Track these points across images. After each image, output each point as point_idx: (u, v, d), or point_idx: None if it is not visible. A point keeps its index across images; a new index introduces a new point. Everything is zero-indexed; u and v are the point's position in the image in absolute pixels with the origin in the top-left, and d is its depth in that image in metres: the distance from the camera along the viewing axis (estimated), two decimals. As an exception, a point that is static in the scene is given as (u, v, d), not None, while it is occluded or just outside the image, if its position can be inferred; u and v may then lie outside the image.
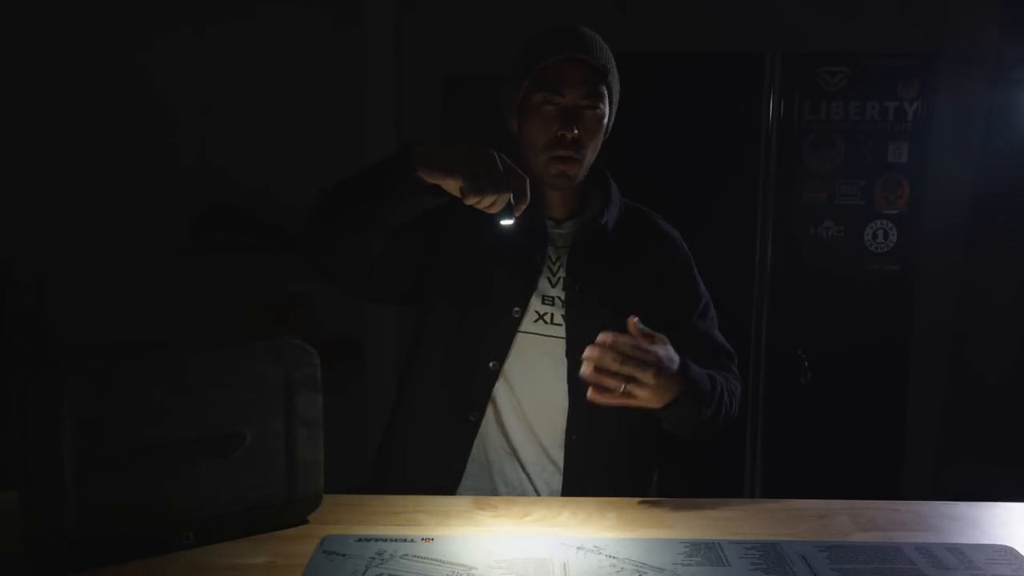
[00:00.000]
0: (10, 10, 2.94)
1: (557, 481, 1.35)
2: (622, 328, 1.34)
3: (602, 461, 1.35)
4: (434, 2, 2.94)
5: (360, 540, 1.02)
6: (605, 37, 1.36)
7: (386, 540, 1.02)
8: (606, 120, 1.36)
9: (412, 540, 1.02)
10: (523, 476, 1.35)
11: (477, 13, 2.86)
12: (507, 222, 1.20)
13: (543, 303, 1.35)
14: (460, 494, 1.33)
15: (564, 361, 1.33)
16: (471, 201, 1.17)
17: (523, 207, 1.20)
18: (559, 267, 1.38)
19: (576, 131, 1.30)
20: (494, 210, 1.19)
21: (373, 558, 0.97)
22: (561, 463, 1.34)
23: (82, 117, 2.95)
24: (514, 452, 1.35)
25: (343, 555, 0.98)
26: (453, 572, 0.94)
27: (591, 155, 1.36)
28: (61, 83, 2.95)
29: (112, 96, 2.95)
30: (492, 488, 1.35)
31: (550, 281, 1.37)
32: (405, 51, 2.93)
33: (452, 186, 1.19)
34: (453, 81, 2.80)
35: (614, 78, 1.36)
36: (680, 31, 2.81)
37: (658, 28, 2.82)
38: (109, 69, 2.94)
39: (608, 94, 1.34)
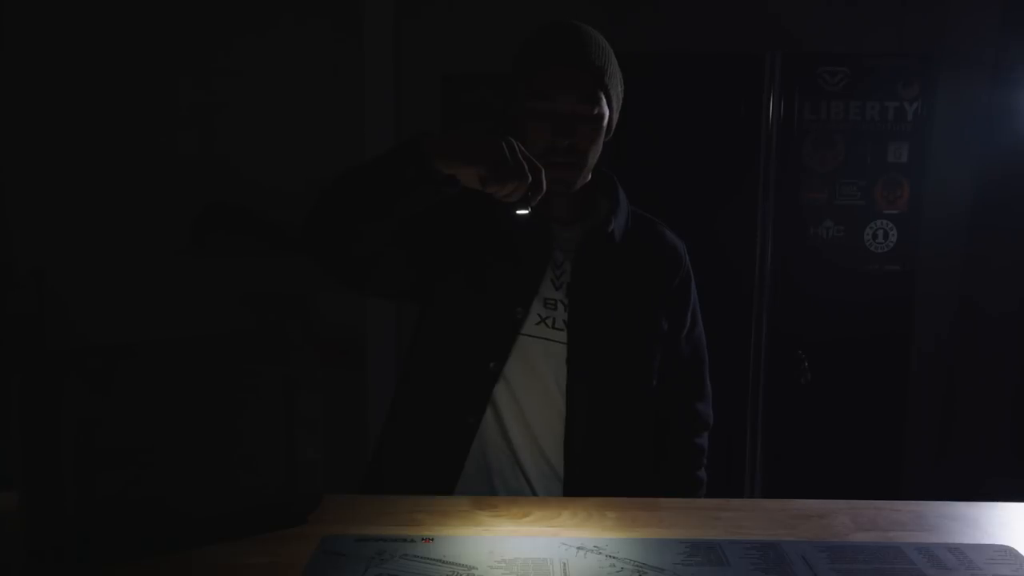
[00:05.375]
0: (6, 5, 2.94)
1: (557, 488, 1.34)
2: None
3: (603, 468, 1.33)
4: (434, 2, 2.94)
5: (360, 540, 1.02)
6: (604, 37, 1.34)
7: (386, 540, 1.02)
8: (605, 122, 1.32)
9: (412, 540, 1.02)
10: (523, 480, 1.34)
11: (477, 13, 2.86)
12: (522, 212, 1.16)
13: (545, 307, 1.33)
14: (458, 496, 1.32)
15: (564, 367, 1.32)
16: (492, 189, 1.13)
17: (539, 197, 1.16)
18: (563, 271, 1.35)
19: (571, 138, 1.27)
20: (512, 199, 1.14)
21: (373, 558, 0.97)
22: (561, 470, 1.33)
23: (82, 116, 2.95)
24: (514, 455, 1.34)
25: (343, 555, 0.98)
26: (453, 572, 0.94)
27: (592, 158, 1.33)
28: (60, 82, 2.94)
29: (111, 95, 2.95)
30: (491, 491, 1.34)
31: (554, 284, 1.34)
32: (405, 51, 2.93)
33: (471, 175, 1.13)
34: (453, 81, 2.80)
35: (613, 77, 1.31)
36: (680, 31, 2.81)
37: (658, 28, 2.82)
38: (108, 68, 2.94)
39: (606, 95, 1.30)
